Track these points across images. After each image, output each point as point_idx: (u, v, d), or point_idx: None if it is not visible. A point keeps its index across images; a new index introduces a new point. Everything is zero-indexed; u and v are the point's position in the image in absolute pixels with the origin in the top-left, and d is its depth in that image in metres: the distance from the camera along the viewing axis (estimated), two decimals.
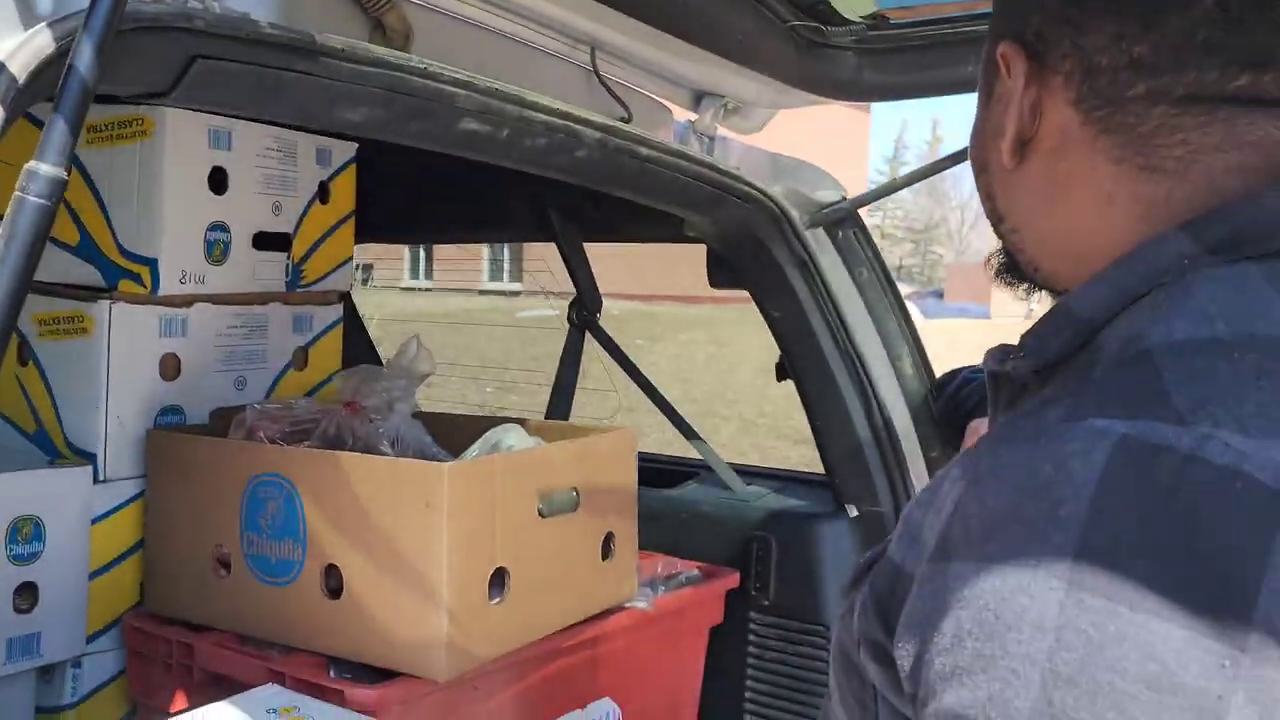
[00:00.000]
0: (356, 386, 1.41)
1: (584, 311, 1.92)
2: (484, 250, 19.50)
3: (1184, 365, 0.48)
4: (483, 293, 18.16)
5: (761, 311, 1.66)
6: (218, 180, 1.37)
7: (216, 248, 1.39)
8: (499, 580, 1.18)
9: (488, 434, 1.32)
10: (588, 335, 1.94)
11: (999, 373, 0.62)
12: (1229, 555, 0.43)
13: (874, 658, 0.55)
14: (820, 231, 1.59)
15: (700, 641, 1.61)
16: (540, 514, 1.22)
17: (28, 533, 1.21)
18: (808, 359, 1.61)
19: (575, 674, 1.36)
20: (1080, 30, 0.57)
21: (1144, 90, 0.55)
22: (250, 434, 1.29)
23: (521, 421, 1.41)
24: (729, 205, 1.46)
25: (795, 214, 1.54)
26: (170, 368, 1.38)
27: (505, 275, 19.70)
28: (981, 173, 0.66)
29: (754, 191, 1.47)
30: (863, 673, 0.57)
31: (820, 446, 1.69)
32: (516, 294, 16.66)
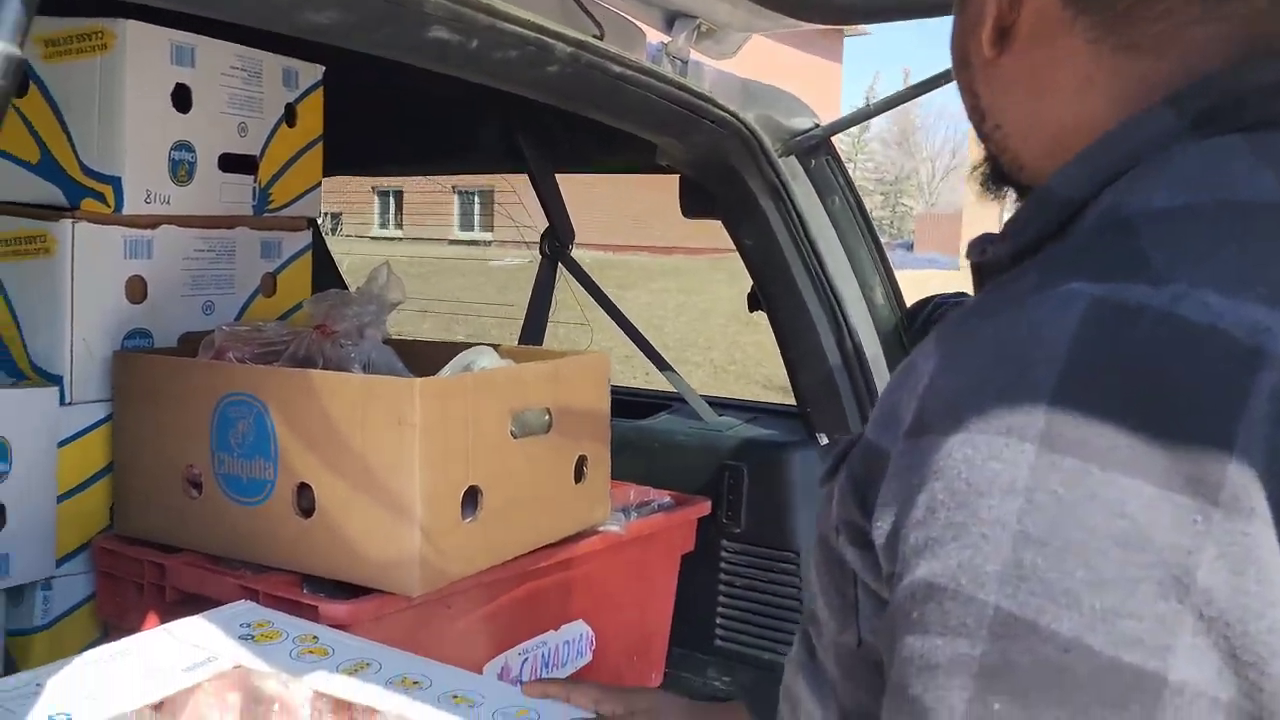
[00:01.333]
0: (327, 311, 1.40)
1: (556, 242, 1.91)
2: (454, 199, 19.31)
3: (1162, 229, 0.48)
4: (453, 242, 18.00)
5: (733, 239, 1.66)
6: (181, 98, 1.35)
7: (181, 168, 1.36)
8: (472, 499, 1.18)
9: (459, 356, 1.32)
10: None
11: (980, 264, 0.62)
12: (1202, 412, 0.43)
13: (852, 541, 0.56)
14: (793, 159, 1.58)
15: (672, 568, 1.62)
16: (512, 434, 1.22)
17: None
18: (779, 287, 1.61)
19: (548, 596, 1.37)
20: None
21: None
22: (219, 355, 1.28)
23: (496, 347, 1.41)
24: (701, 129, 1.45)
25: (768, 140, 1.54)
26: (136, 290, 1.36)
27: (476, 225, 19.51)
28: (963, 69, 0.66)
29: (727, 115, 1.46)
30: (842, 560, 0.58)
31: (791, 376, 1.70)
32: (488, 244, 16.54)
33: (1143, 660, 0.41)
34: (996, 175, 0.67)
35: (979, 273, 0.63)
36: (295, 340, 1.33)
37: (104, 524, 1.34)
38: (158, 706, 0.90)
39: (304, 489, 1.16)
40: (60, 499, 1.28)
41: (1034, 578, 0.43)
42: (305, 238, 1.59)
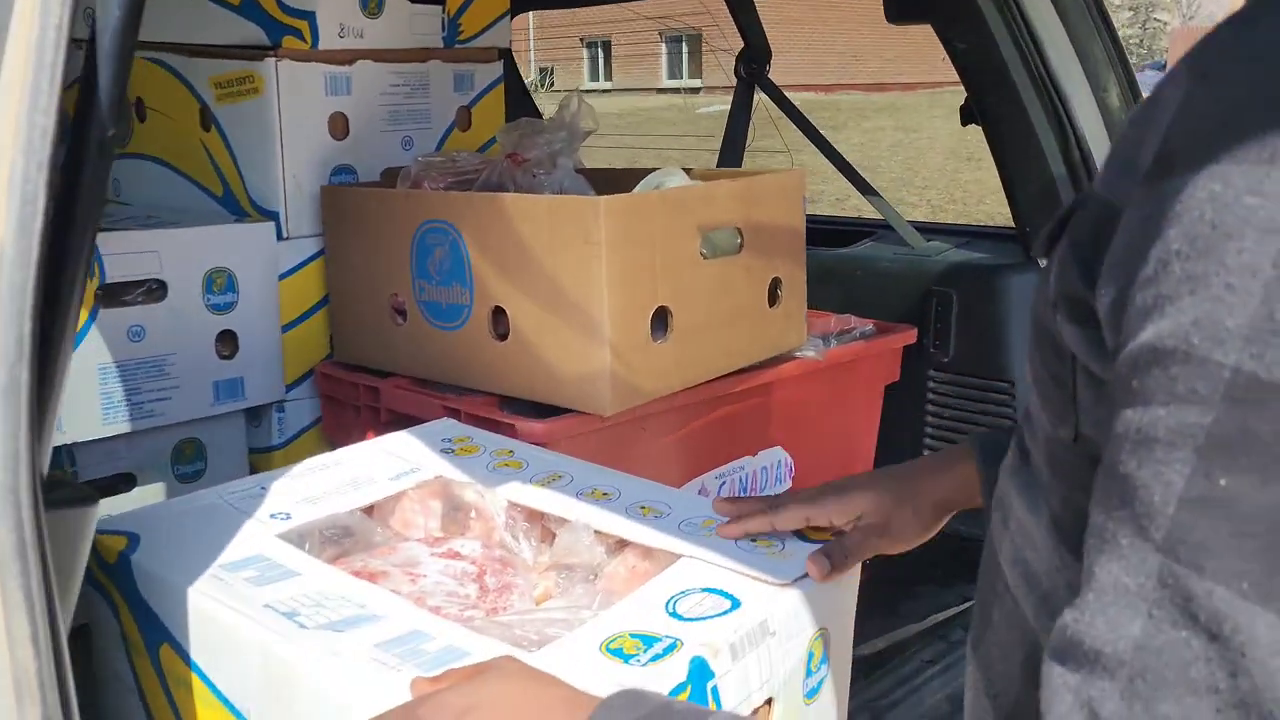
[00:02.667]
0: (518, 140, 1.40)
1: (752, 64, 1.82)
2: (662, 46, 18.97)
3: None
4: (661, 91, 17.79)
5: (945, 45, 1.52)
6: None
7: (371, 1, 1.37)
8: (661, 320, 1.16)
9: (649, 177, 1.29)
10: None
11: None
12: None
13: (1072, 317, 0.48)
14: None
15: (875, 397, 1.57)
16: (702, 254, 1.19)
17: (221, 283, 1.28)
18: (997, 93, 1.47)
19: (745, 420, 1.36)
20: None
21: None
22: (415, 185, 1.30)
23: (688, 170, 1.37)
24: None
25: None
26: (339, 126, 1.40)
27: (684, 71, 19.16)
28: None
29: None
30: (1059, 343, 0.51)
31: (1008, 192, 1.57)
32: (696, 90, 16.25)
33: None
34: None
35: None
36: (488, 169, 1.33)
37: (326, 353, 1.42)
38: (368, 510, 0.96)
39: (499, 313, 1.18)
40: (284, 329, 1.37)
41: None
42: (497, 69, 1.59)
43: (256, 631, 0.73)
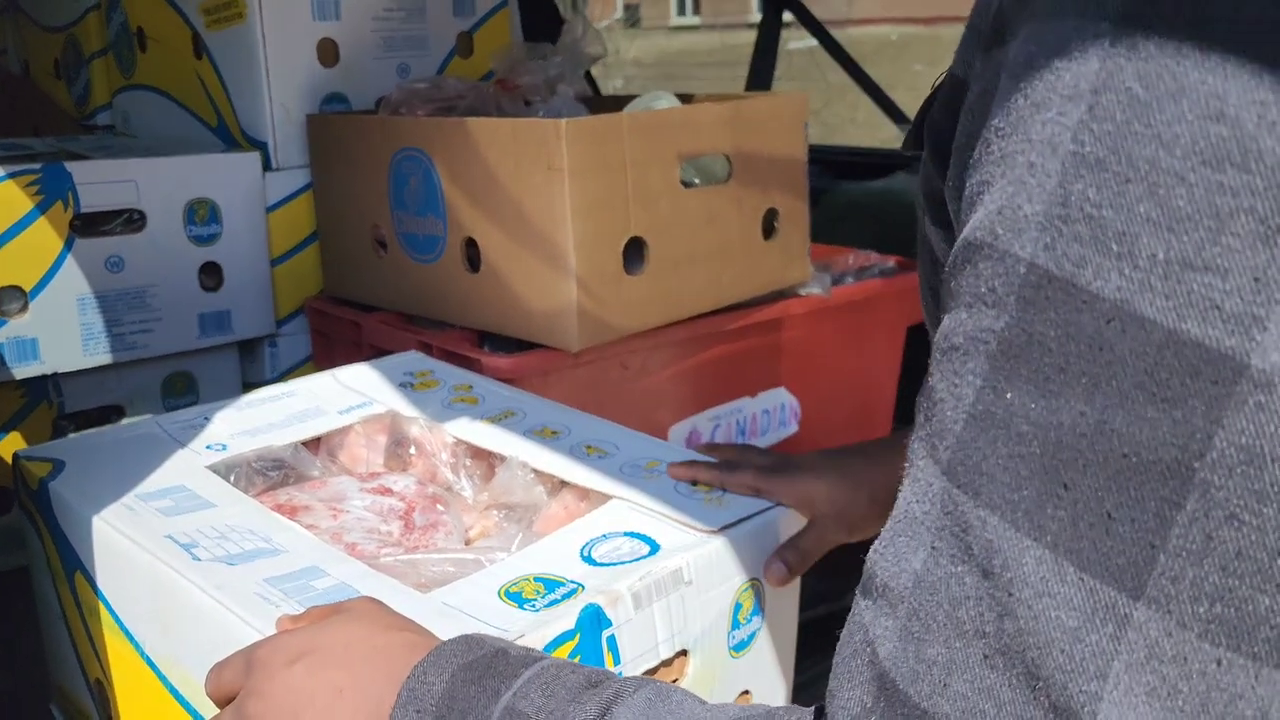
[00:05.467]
0: (510, 65, 1.34)
1: None
2: None
3: None
4: (750, 26, 17.37)
5: None
6: None
7: None
8: (637, 252, 1.11)
9: (635, 101, 1.22)
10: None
11: None
12: None
13: (935, 219, 0.44)
14: None
15: (895, 338, 1.49)
16: (683, 183, 1.13)
17: (204, 214, 1.26)
18: None
19: (743, 360, 1.29)
20: None
21: None
22: (395, 112, 1.26)
23: (690, 97, 1.29)
24: None
25: None
26: (328, 53, 1.36)
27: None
28: None
29: None
30: (932, 254, 0.46)
31: None
32: (788, 24, 15.77)
33: (1217, 336, 0.28)
34: None
35: None
36: (472, 94, 1.28)
37: (319, 287, 1.40)
38: (314, 444, 0.94)
39: (471, 243, 1.14)
40: (275, 263, 1.35)
41: (1080, 218, 0.30)
42: None
43: (149, 562, 0.71)
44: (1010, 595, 0.31)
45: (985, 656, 0.32)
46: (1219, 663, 0.29)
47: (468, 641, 0.51)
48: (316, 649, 0.53)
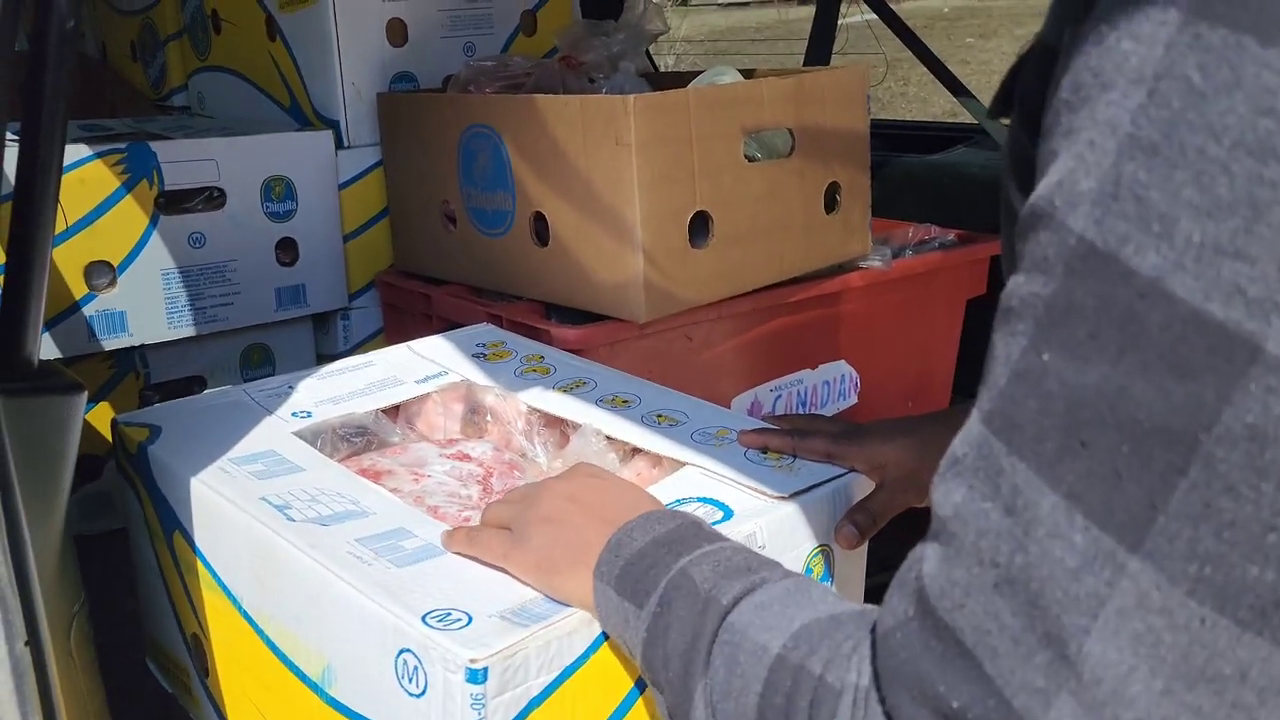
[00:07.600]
0: (573, 42, 1.36)
1: None
2: None
3: None
4: (804, 2, 17.18)
5: None
6: None
7: None
8: (702, 225, 1.13)
9: (699, 76, 1.24)
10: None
11: None
12: None
13: (1022, 185, 0.45)
14: None
15: (955, 310, 1.49)
16: (747, 157, 1.14)
17: (280, 191, 1.30)
18: None
19: (803, 332, 1.31)
20: None
21: None
22: (464, 90, 1.29)
23: (751, 72, 1.31)
24: None
25: None
26: (397, 33, 1.39)
27: None
28: None
29: None
30: (1015, 215, 0.47)
31: None
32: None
33: (1238, 319, 0.30)
34: None
35: None
36: (539, 72, 1.31)
37: (389, 261, 1.44)
38: (393, 411, 0.97)
39: (539, 218, 1.17)
40: (347, 238, 1.39)
41: (1129, 197, 0.32)
42: None
43: (247, 522, 0.74)
44: (1026, 534, 0.35)
45: (996, 584, 0.35)
46: (1203, 620, 0.32)
47: (672, 515, 0.63)
48: (580, 492, 0.67)
